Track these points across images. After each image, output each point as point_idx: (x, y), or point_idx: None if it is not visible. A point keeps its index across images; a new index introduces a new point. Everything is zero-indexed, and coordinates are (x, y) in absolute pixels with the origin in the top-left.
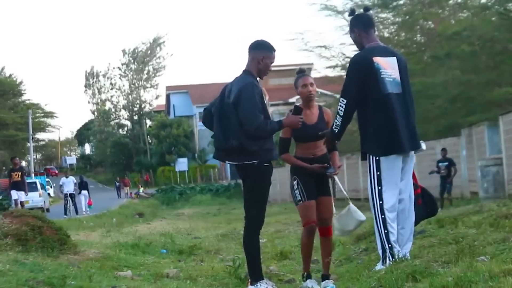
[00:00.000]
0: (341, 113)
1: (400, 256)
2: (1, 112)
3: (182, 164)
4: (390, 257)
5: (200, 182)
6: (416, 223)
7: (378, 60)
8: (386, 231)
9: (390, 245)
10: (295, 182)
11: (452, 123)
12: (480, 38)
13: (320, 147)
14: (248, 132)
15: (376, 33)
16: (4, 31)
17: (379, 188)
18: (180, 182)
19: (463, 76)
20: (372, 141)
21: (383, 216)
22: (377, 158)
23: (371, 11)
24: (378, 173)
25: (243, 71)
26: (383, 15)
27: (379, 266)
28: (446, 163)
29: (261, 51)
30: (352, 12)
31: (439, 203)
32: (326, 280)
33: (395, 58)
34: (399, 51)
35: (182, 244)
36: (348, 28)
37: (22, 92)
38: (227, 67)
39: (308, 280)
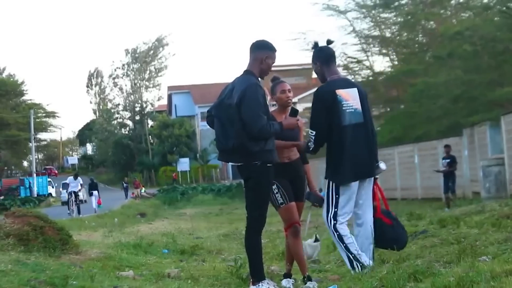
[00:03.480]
0: (311, 144)
1: (366, 262)
2: (3, 112)
3: (183, 164)
4: (358, 264)
5: (202, 182)
6: (382, 246)
7: (341, 93)
8: (344, 244)
9: (353, 255)
10: (274, 186)
11: (454, 123)
12: (482, 38)
13: (294, 151)
14: (252, 133)
15: (378, 33)
16: (6, 31)
17: (335, 210)
18: (181, 182)
19: (465, 76)
20: (332, 169)
21: (338, 233)
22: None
23: (333, 44)
24: (336, 196)
25: (245, 71)
26: (385, 15)
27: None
28: (448, 160)
29: (263, 51)
30: (315, 45)
31: (444, 203)
32: (288, 279)
33: (355, 89)
34: (359, 82)
35: (184, 244)
36: (350, 28)
37: (24, 92)
38: (229, 67)
39: (309, 282)
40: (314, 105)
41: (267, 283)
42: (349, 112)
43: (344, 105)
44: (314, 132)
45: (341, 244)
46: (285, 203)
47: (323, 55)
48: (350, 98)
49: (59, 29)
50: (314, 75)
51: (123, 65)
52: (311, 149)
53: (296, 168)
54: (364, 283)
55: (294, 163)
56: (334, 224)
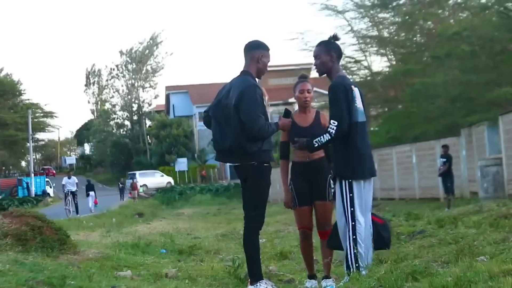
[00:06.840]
0: (332, 134)
1: (364, 264)
2: (1, 112)
3: (181, 164)
4: (355, 265)
5: (200, 182)
6: (380, 246)
7: (354, 89)
8: (355, 251)
9: (357, 265)
10: (290, 188)
11: (452, 123)
12: (480, 38)
13: None
14: (251, 133)
15: (376, 33)
16: (4, 31)
17: (352, 209)
18: (179, 182)
19: (463, 76)
20: (345, 165)
21: (354, 237)
22: (350, 180)
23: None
24: (351, 195)
25: (242, 71)
26: (383, 15)
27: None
28: (445, 159)
29: (258, 51)
30: (335, 37)
31: (446, 203)
32: (325, 279)
33: (357, 89)
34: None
35: (181, 244)
36: (348, 28)
37: (22, 92)
38: (227, 67)
39: (307, 281)
40: (335, 96)
41: (265, 283)
42: (358, 109)
43: (356, 102)
44: (335, 123)
45: (352, 250)
46: (296, 206)
47: (339, 50)
48: (357, 96)
49: (57, 29)
50: (312, 75)
51: (117, 65)
52: (317, 144)
53: (317, 167)
54: (362, 282)
55: (315, 163)
56: (353, 226)
